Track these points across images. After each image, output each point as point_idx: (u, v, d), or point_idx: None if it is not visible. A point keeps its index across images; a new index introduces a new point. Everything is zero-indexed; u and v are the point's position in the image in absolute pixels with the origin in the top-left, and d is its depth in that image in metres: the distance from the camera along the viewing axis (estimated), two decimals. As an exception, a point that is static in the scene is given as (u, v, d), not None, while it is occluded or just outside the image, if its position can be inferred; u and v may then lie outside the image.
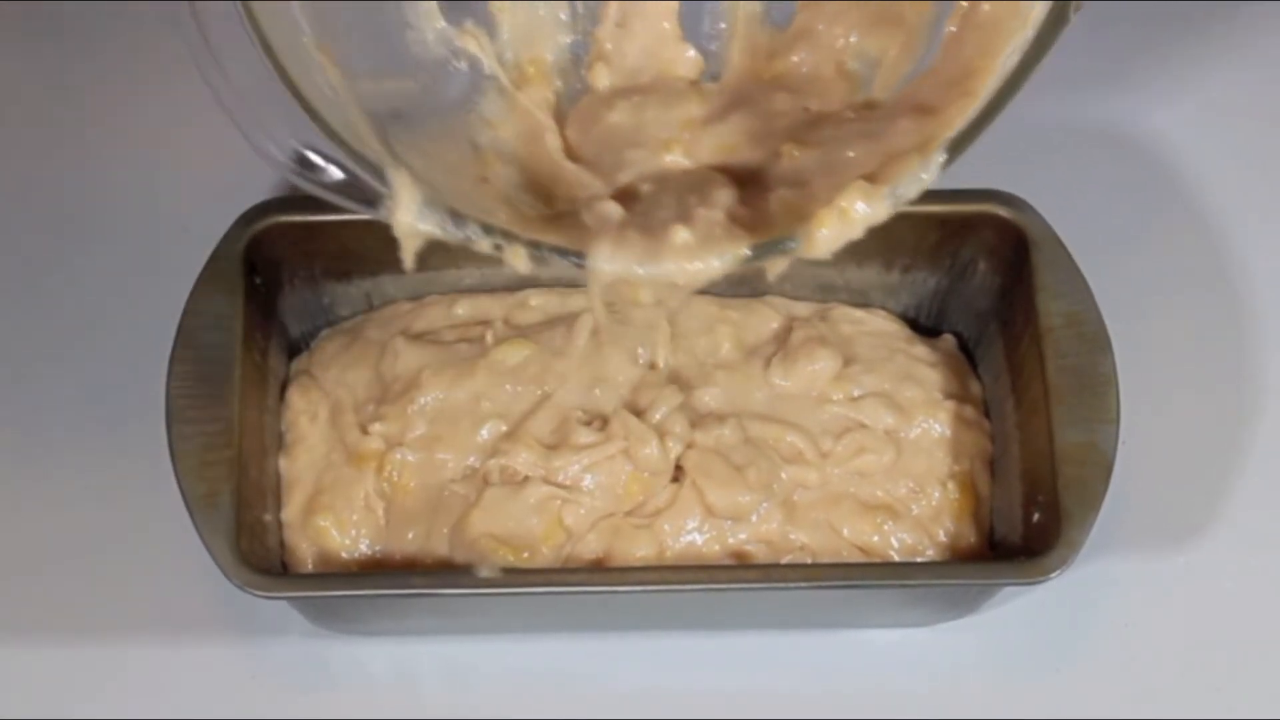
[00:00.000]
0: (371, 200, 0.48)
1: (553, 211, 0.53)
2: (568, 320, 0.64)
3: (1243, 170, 0.74)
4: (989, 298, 0.66)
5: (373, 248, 0.65)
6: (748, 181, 0.52)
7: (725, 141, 0.54)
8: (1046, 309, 0.61)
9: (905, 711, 0.63)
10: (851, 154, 0.50)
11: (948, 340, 0.68)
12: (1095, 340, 0.61)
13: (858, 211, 0.47)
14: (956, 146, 0.47)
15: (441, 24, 0.54)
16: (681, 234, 0.49)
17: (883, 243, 0.65)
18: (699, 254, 0.48)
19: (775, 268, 0.50)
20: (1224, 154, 0.75)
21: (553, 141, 0.56)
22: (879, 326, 0.67)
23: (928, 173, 0.47)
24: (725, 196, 0.51)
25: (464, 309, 0.67)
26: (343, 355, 0.66)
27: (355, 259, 0.66)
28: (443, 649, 0.64)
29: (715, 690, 0.64)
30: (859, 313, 0.67)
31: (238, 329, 0.61)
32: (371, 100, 0.51)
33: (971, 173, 0.65)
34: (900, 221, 0.65)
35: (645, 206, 0.52)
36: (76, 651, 0.64)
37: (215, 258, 0.62)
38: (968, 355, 0.68)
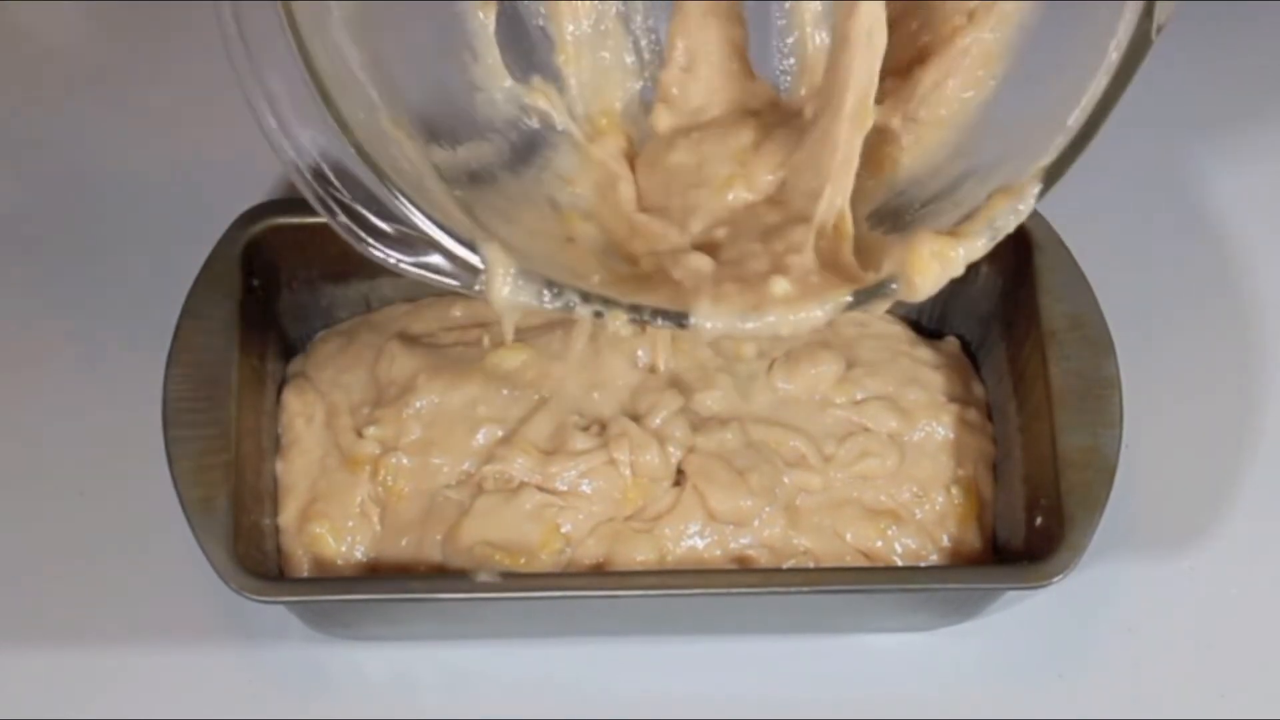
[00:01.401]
0: (462, 277, 0.48)
1: (641, 270, 0.53)
2: (565, 324, 0.64)
3: (1246, 173, 0.74)
4: (992, 300, 0.65)
5: (371, 250, 0.65)
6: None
7: (777, 159, 0.53)
8: (1049, 312, 0.61)
9: (907, 716, 0.63)
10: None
11: (951, 343, 0.67)
12: (1098, 343, 0.61)
13: (957, 254, 0.47)
14: (1052, 175, 0.47)
15: (509, 82, 0.54)
16: (781, 285, 0.48)
17: (884, 245, 0.65)
18: (801, 304, 0.48)
19: (876, 311, 0.50)
20: (1227, 156, 0.74)
21: (626, 191, 0.55)
22: (882, 329, 0.67)
23: (1024, 204, 0.47)
24: (802, 234, 0.50)
25: (461, 311, 0.66)
26: (338, 357, 0.65)
27: (353, 261, 0.65)
28: (441, 654, 0.64)
29: (716, 695, 0.63)
30: (861, 315, 0.67)
31: (235, 332, 0.61)
32: (448, 169, 0.50)
33: (973, 175, 0.65)
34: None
35: (731, 254, 0.51)
36: (72, 656, 0.63)
37: (213, 260, 0.62)
38: (970, 358, 0.67)
